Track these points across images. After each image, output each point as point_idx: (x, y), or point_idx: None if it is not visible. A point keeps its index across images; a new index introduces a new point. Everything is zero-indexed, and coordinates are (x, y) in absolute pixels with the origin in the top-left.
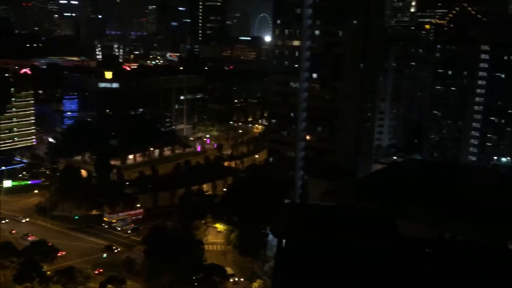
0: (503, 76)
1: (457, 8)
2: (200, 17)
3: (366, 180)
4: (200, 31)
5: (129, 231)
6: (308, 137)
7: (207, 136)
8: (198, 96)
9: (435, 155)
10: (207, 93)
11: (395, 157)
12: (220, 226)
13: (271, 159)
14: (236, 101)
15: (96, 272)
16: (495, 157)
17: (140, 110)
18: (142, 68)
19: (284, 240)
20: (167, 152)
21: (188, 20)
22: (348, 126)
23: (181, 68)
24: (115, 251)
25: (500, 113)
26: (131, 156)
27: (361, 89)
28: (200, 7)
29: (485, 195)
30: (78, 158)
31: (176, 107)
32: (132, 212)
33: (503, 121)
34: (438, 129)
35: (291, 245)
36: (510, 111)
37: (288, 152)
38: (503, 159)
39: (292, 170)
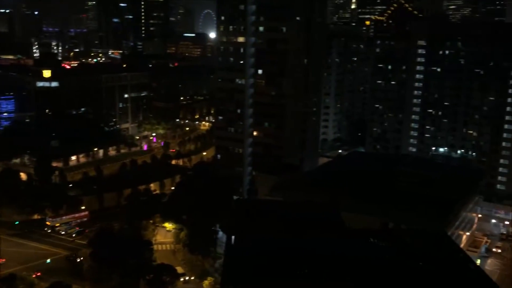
0: (438, 70)
1: (395, 5)
2: (143, 13)
3: (312, 174)
4: (143, 28)
5: (73, 235)
6: (255, 133)
7: (154, 134)
8: (143, 94)
9: (377, 147)
10: (152, 90)
11: (340, 150)
12: (169, 225)
13: (219, 156)
14: (182, 98)
15: (34, 275)
16: (433, 148)
17: (82, 109)
18: (83, 66)
19: (233, 237)
20: (112, 152)
21: (130, 16)
22: (294, 121)
23: (124, 65)
24: (60, 255)
25: (436, 106)
26: (74, 157)
27: (306, 85)
28: (142, 3)
29: (424, 184)
30: (17, 160)
31: (120, 106)
32: (76, 215)
33: (440, 113)
34: (380, 122)
35: (240, 241)
36: (446, 103)
37: (235, 148)
38: (441, 149)
39: (240, 166)
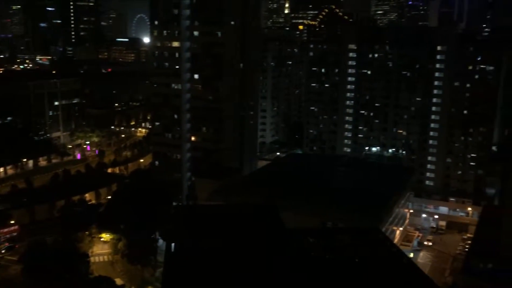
0: (369, 72)
1: (326, 10)
2: (72, 18)
3: (252, 177)
4: (73, 33)
5: (3, 251)
6: (193, 138)
7: (87, 143)
8: (75, 101)
9: (314, 149)
10: (84, 97)
11: (278, 153)
12: (106, 236)
13: (156, 162)
14: (116, 104)
15: None
16: (367, 147)
17: (9, 118)
18: (8, 73)
19: (173, 244)
20: (42, 162)
21: (59, 21)
22: (231, 125)
23: (54, 71)
24: None
25: (368, 107)
26: (0, 169)
27: (242, 88)
28: (72, 7)
29: (358, 183)
30: None
31: (51, 114)
32: (5, 230)
33: (371, 114)
34: (316, 124)
35: (180, 248)
36: (377, 104)
37: (174, 154)
38: (374, 149)
39: (179, 172)
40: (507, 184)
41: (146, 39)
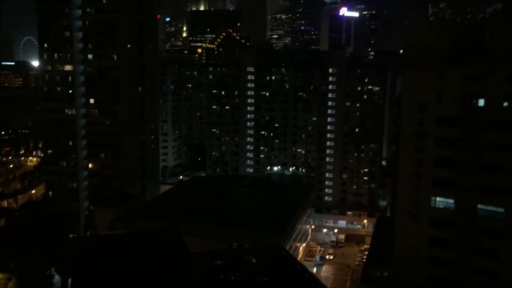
0: (267, 94)
1: (224, 34)
2: None
3: (154, 202)
4: None
5: None
6: (90, 165)
7: None
8: None
9: (217, 170)
10: None
11: (181, 176)
12: None
13: (50, 192)
14: (3, 132)
15: None
16: (268, 167)
17: None
18: None
19: (69, 279)
20: None
21: None
22: (131, 150)
23: None
24: None
25: (268, 127)
26: None
27: (141, 112)
28: None
29: (261, 203)
30: None
31: None
32: None
33: (271, 134)
34: (218, 146)
35: (78, 284)
36: (276, 124)
37: (69, 183)
38: (275, 168)
39: (76, 201)
40: (396, 195)
41: (35, 63)
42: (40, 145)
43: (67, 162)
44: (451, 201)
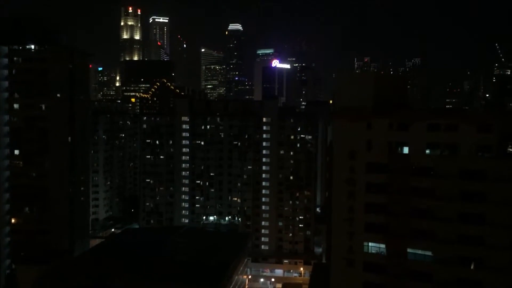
0: (202, 143)
1: (158, 84)
2: None
3: (83, 258)
4: None
5: None
6: (13, 220)
7: None
8: None
9: (151, 222)
10: None
11: (113, 229)
12: None
13: None
14: None
15: None
16: (204, 217)
17: None
18: None
19: None
20: None
21: None
22: (59, 203)
23: None
24: None
25: (203, 176)
26: None
27: (71, 163)
28: None
29: (197, 253)
30: None
31: None
32: None
33: (207, 183)
34: (152, 196)
35: None
36: (212, 173)
37: None
38: (211, 218)
39: None
40: (330, 242)
41: None
42: None
43: None
44: (383, 245)
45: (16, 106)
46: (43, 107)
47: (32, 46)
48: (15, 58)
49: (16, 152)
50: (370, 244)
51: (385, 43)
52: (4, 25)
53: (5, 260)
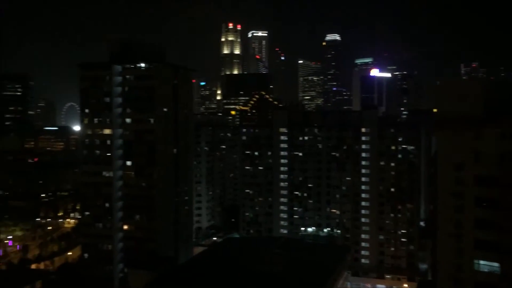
0: (300, 154)
1: (257, 96)
2: None
3: (187, 265)
4: None
5: None
6: (125, 227)
7: (9, 237)
8: None
9: (251, 232)
10: (7, 189)
11: (215, 238)
12: None
13: (86, 255)
14: (43, 195)
15: None
16: (302, 228)
17: None
18: None
19: None
20: None
21: None
22: (165, 212)
23: None
24: None
25: (302, 188)
26: None
27: (176, 174)
28: None
29: (296, 265)
30: None
31: None
32: None
33: (305, 194)
34: (251, 207)
35: None
36: (310, 185)
37: (105, 245)
38: (309, 229)
39: (111, 264)
40: (435, 258)
41: (77, 127)
42: (78, 207)
43: (103, 224)
44: (496, 264)
45: (128, 120)
46: (151, 121)
47: (142, 64)
48: (127, 76)
49: (128, 163)
50: (481, 262)
51: (492, 50)
52: (115, 47)
53: (118, 264)
